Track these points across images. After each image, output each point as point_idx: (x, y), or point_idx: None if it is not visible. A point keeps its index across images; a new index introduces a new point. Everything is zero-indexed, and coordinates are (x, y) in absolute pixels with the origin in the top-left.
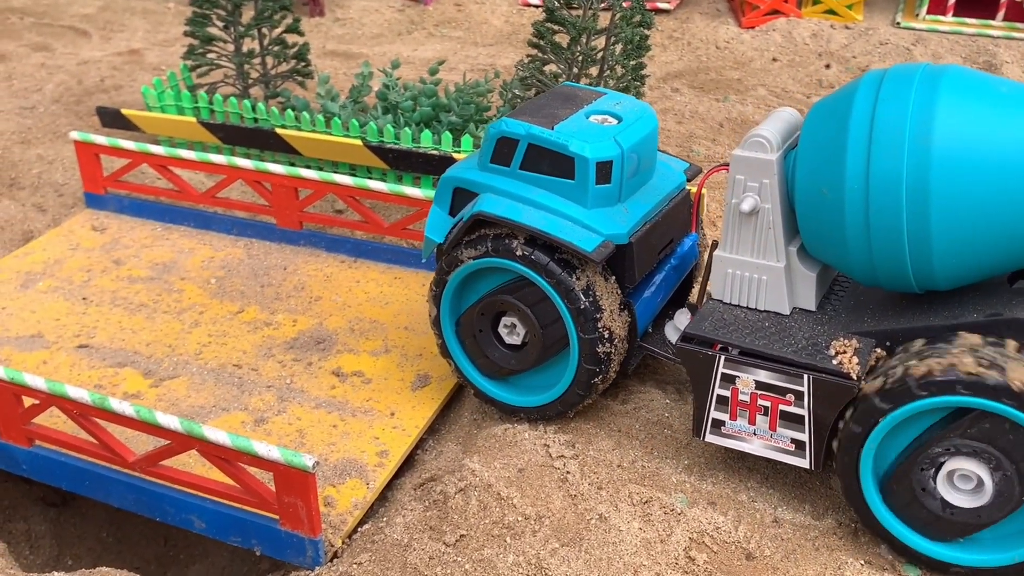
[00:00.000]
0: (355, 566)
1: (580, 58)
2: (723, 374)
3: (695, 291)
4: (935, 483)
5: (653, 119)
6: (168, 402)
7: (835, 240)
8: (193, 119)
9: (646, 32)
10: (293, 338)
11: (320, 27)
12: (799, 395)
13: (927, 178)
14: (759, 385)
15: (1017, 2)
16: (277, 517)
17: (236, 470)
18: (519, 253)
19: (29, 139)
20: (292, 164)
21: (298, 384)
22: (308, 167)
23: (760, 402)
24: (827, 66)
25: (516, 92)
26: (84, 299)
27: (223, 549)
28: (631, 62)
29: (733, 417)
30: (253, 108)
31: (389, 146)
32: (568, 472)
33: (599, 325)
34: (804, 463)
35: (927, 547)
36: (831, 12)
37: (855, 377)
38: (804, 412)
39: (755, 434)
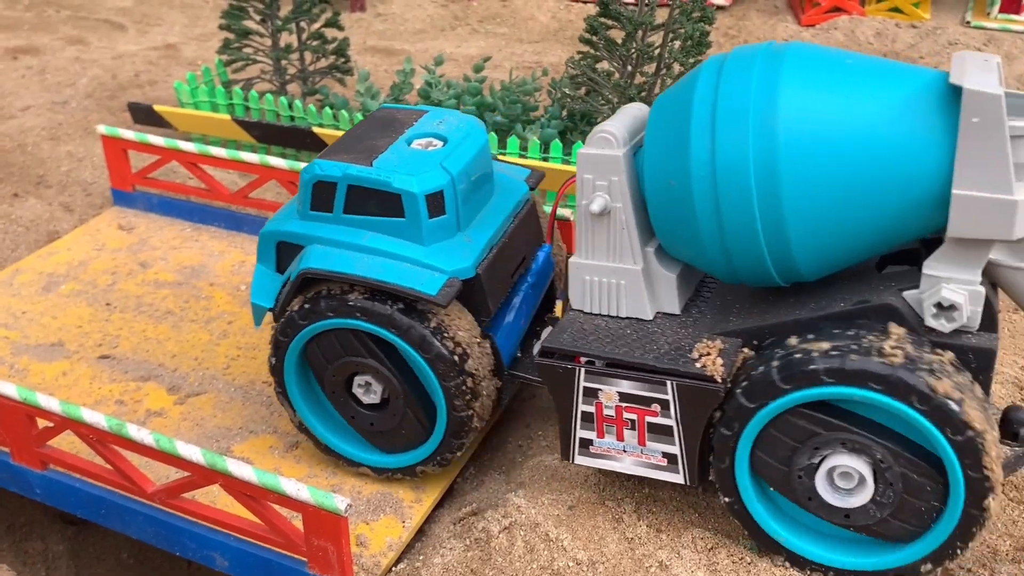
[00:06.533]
0: None
1: (635, 55)
2: (585, 388)
3: (559, 306)
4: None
5: (482, 134)
6: (192, 421)
7: (688, 235)
8: (227, 116)
9: (707, 28)
10: None
11: (361, 22)
12: (664, 404)
13: (775, 159)
14: (623, 397)
15: None
16: (305, 560)
17: (262, 508)
18: (358, 308)
19: (59, 135)
20: None
21: None
22: None
23: (626, 415)
24: None
25: (566, 91)
26: (108, 304)
27: None
28: (690, 59)
29: (600, 435)
30: (290, 106)
31: None
32: (623, 512)
33: (461, 368)
34: (678, 478)
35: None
36: (896, 10)
37: (720, 380)
38: (672, 422)
39: (625, 451)
